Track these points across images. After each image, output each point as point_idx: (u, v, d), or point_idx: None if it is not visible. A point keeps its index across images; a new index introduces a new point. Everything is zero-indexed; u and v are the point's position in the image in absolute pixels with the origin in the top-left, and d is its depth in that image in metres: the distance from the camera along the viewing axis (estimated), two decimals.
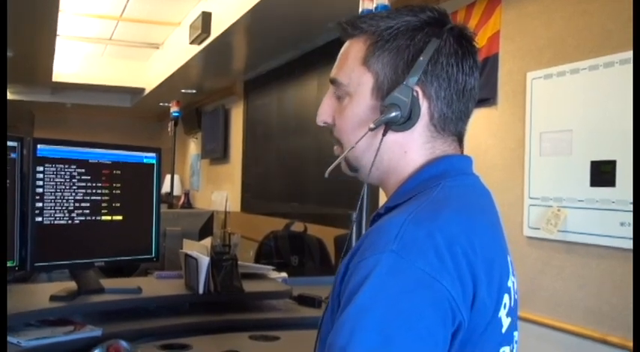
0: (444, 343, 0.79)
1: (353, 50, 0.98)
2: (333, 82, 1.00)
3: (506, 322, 0.91)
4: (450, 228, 0.84)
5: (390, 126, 0.93)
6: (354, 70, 0.97)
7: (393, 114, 0.91)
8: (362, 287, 0.78)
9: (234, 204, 6.98)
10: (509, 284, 0.95)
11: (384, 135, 0.93)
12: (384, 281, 0.78)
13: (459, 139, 1.00)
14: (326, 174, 0.99)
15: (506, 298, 0.91)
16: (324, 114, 1.02)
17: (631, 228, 2.37)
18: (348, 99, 0.98)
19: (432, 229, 0.83)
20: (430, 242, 0.81)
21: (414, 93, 0.92)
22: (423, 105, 0.94)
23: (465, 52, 0.96)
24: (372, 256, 0.81)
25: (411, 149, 0.96)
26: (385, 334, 0.75)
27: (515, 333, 0.96)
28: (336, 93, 1.00)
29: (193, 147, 9.38)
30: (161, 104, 8.53)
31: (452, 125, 0.97)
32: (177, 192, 8.46)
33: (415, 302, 0.77)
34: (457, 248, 0.82)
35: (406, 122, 0.92)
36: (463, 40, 0.96)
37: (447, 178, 0.93)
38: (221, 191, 7.69)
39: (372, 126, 0.93)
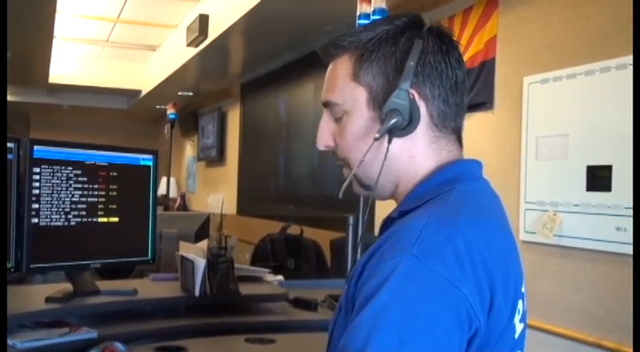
0: (459, 348, 0.79)
1: (339, 69, 0.98)
2: (327, 104, 0.99)
3: (519, 327, 0.91)
4: (469, 233, 0.84)
5: (393, 132, 0.93)
6: (346, 87, 0.97)
7: (395, 119, 0.91)
8: (380, 290, 0.78)
9: (230, 207, 6.98)
10: (523, 290, 0.95)
11: (389, 142, 0.93)
12: (402, 284, 0.78)
13: (458, 136, 1.01)
14: (340, 195, 0.98)
15: (520, 304, 0.92)
16: (324, 138, 1.01)
17: (627, 233, 2.37)
18: (346, 117, 0.97)
19: (453, 234, 0.83)
20: (450, 247, 0.81)
21: (411, 96, 0.92)
22: (421, 106, 0.94)
23: (449, 47, 0.97)
24: (392, 259, 0.81)
25: (418, 153, 0.96)
26: (402, 337, 0.75)
27: (525, 338, 0.97)
28: (333, 115, 1.00)
29: (190, 149, 9.37)
30: (158, 106, 8.51)
31: (451, 121, 0.97)
32: (173, 194, 8.45)
33: (432, 307, 0.77)
34: (476, 254, 0.82)
35: (408, 126, 0.93)
36: (444, 37, 0.97)
37: (460, 183, 0.93)
38: (217, 194, 7.68)
39: (376, 135, 0.93)
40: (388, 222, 0.95)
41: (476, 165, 1.00)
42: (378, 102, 0.94)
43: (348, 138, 0.98)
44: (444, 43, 0.96)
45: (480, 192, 0.97)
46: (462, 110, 0.99)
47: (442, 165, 0.96)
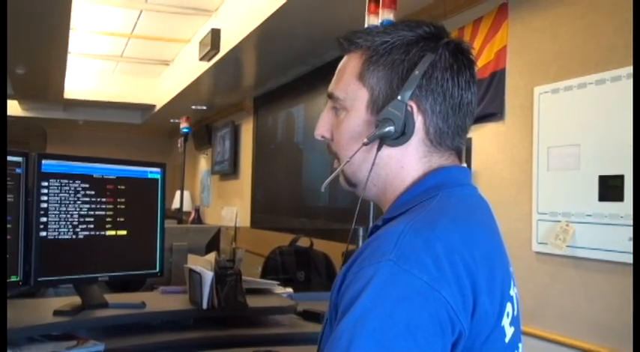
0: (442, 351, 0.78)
1: (350, 65, 0.99)
2: (331, 96, 1.00)
3: (509, 331, 0.90)
4: (448, 237, 0.84)
5: (384, 140, 0.93)
6: (350, 84, 0.97)
7: (387, 129, 0.91)
8: (360, 297, 0.78)
9: (244, 220, 6.99)
10: (512, 293, 0.94)
11: (378, 149, 0.94)
12: (382, 290, 0.78)
13: (458, 154, 1.00)
14: (322, 188, 1.00)
15: (509, 307, 0.91)
16: (322, 127, 1.03)
17: None
18: (344, 113, 0.98)
19: (431, 237, 0.83)
20: (429, 250, 0.81)
21: (409, 108, 0.92)
22: (418, 119, 0.93)
23: (461, 66, 0.95)
24: (371, 265, 0.81)
25: (408, 164, 0.96)
26: (383, 343, 0.75)
27: (520, 345, 0.96)
28: (334, 108, 1.01)
29: (204, 163, 9.42)
30: (172, 120, 8.59)
31: (448, 140, 0.96)
32: (187, 207, 8.48)
33: (413, 311, 0.77)
34: (456, 256, 0.82)
35: (400, 137, 0.93)
36: (459, 54, 0.96)
37: (444, 189, 0.93)
38: (231, 207, 7.70)
39: (365, 140, 0.93)
40: (374, 229, 0.95)
41: (463, 171, 0.99)
42: (377, 107, 0.94)
43: (341, 135, 0.99)
44: (457, 61, 0.95)
45: (466, 197, 0.96)
46: (462, 131, 0.98)
47: (427, 173, 0.96)
